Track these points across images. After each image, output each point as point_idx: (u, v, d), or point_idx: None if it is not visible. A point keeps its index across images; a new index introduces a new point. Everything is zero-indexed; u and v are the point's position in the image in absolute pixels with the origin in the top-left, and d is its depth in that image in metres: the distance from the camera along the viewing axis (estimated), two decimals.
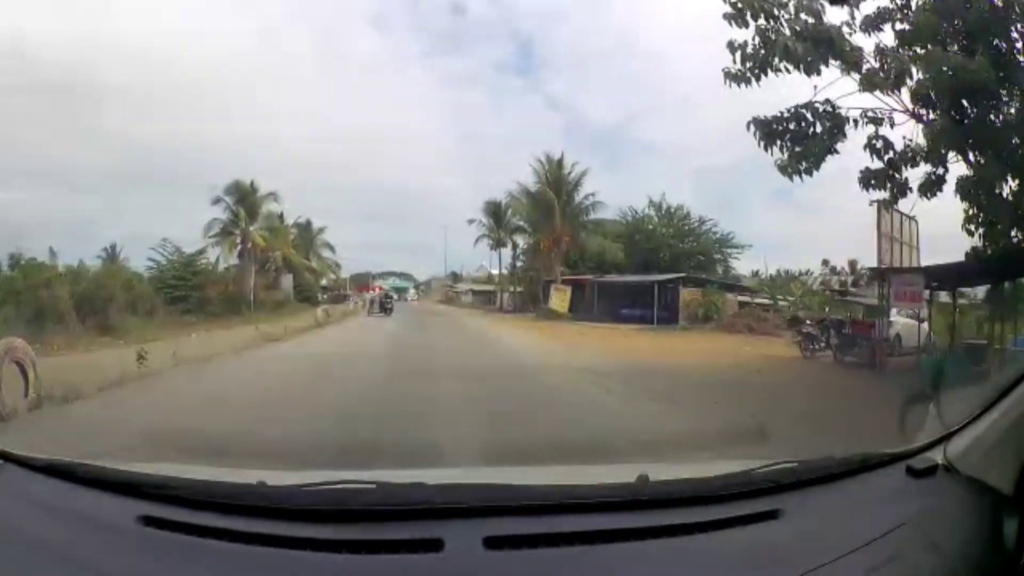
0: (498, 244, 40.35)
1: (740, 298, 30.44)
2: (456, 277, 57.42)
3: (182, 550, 1.31)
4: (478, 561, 1.29)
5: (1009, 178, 10.25)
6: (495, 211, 39.20)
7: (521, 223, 37.71)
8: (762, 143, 11.01)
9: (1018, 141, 10.15)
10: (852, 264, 33.68)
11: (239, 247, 31.33)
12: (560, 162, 35.18)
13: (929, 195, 11.10)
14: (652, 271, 31.52)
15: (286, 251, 34.65)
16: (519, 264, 40.21)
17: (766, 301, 29.74)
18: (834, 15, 10.72)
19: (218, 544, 1.31)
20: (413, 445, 5.18)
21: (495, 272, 48.57)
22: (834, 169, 11.45)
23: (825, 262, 35.68)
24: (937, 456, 1.59)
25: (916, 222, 14.73)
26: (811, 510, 1.51)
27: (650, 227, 36.53)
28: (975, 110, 10.10)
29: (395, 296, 40.42)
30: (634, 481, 1.50)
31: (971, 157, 10.51)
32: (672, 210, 36.83)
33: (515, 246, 39.82)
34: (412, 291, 62.32)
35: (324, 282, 44.65)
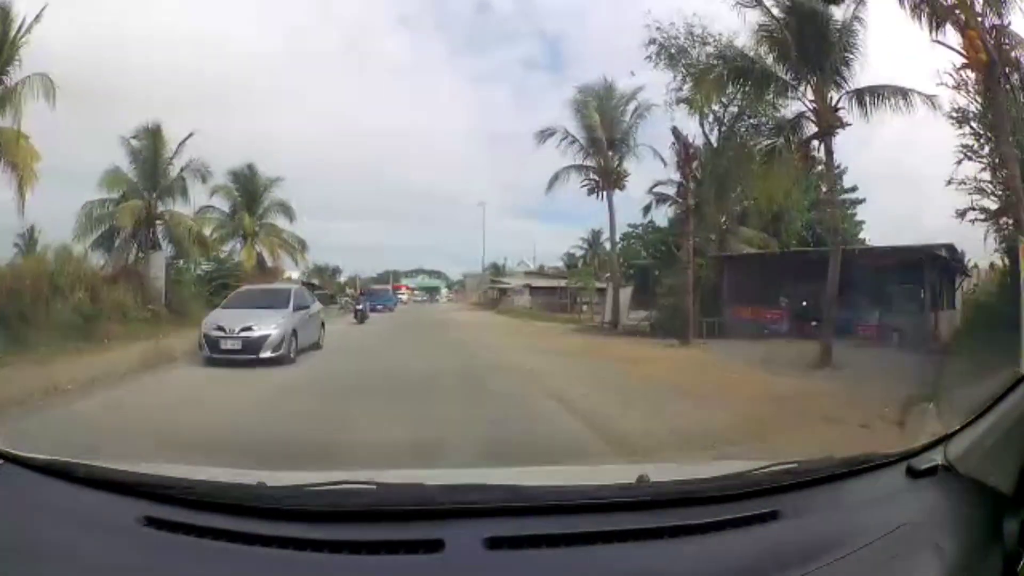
0: (607, 179, 18.36)
1: None
2: (498, 270, 40.60)
3: (182, 550, 1.31)
4: (479, 562, 1.29)
5: None
6: (599, 101, 18.11)
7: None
8: None
9: None
10: None
11: None
12: None
13: None
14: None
15: (20, 162, 15.53)
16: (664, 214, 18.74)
17: None
18: None
19: (218, 544, 1.31)
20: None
21: (554, 263, 30.05)
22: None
23: None
24: (937, 457, 1.59)
25: None
26: (811, 511, 1.51)
27: None
28: None
29: (363, 309, 21.82)
30: (634, 482, 1.51)
31: None
32: None
33: (689, 176, 15.83)
34: (444, 291, 49.76)
35: (296, 273, 26.40)
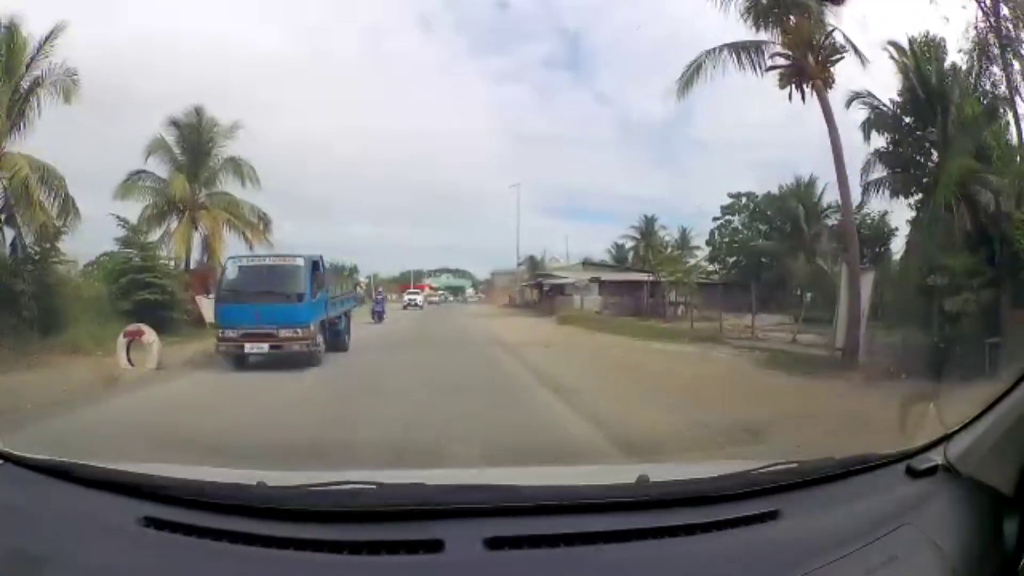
0: (817, 58, 10.66)
1: None
2: (536, 264, 33.44)
3: (182, 551, 1.31)
4: (478, 562, 1.29)
5: None
6: None
7: None
8: None
9: None
10: None
11: None
12: None
13: None
14: None
15: None
16: None
17: None
18: None
19: (218, 545, 1.31)
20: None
21: (596, 259, 24.03)
22: None
23: None
24: (937, 457, 1.59)
25: None
26: (811, 510, 1.51)
27: None
28: None
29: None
30: (634, 482, 1.51)
31: None
32: None
33: None
34: (471, 291, 45.16)
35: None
